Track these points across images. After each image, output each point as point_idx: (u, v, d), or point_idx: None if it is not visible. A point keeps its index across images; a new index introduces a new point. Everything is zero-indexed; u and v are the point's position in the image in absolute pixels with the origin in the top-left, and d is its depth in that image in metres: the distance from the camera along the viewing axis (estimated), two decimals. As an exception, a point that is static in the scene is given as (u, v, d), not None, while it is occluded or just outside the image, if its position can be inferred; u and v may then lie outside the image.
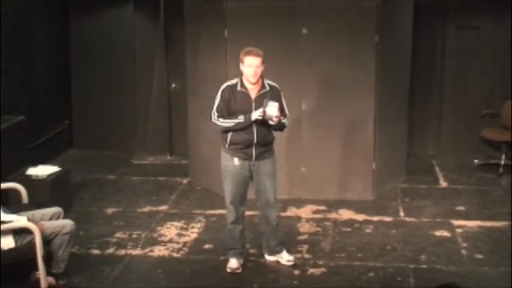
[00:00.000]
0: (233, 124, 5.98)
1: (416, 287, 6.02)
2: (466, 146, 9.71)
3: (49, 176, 7.42)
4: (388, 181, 8.42)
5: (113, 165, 9.52)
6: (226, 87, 6.08)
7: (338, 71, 7.86)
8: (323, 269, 6.35)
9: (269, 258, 6.50)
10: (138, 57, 10.04)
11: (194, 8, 8.32)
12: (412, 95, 9.12)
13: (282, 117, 5.99)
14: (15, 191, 6.51)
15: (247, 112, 5.96)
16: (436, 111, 9.90)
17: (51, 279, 5.90)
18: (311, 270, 6.33)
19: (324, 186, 8.11)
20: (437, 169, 9.24)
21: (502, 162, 8.98)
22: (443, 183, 8.70)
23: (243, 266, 6.39)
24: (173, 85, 9.80)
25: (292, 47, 7.78)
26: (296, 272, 6.30)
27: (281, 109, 6.03)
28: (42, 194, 7.06)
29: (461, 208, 7.85)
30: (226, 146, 6.13)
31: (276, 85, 6.16)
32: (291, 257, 6.46)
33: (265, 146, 6.12)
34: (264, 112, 5.85)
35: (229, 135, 6.06)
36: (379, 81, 7.85)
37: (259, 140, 6.03)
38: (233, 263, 6.32)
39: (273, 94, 6.04)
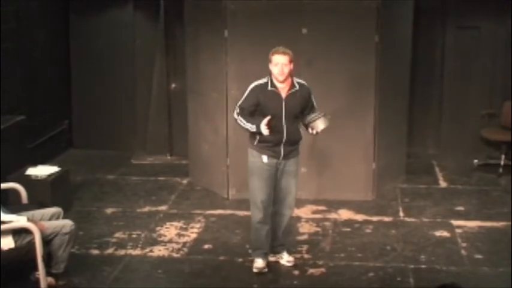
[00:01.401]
0: (246, 128, 6.01)
1: (416, 287, 6.02)
2: (466, 146, 9.71)
3: (49, 176, 7.42)
4: (388, 181, 8.42)
5: (112, 165, 9.52)
6: (255, 86, 6.07)
7: (338, 71, 7.86)
8: (323, 269, 6.35)
9: (269, 258, 6.50)
10: (138, 57, 10.04)
11: (194, 8, 8.32)
12: (412, 95, 9.11)
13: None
14: (14, 191, 6.50)
15: (278, 110, 5.96)
16: (436, 111, 9.90)
17: (51, 280, 5.90)
18: (311, 271, 6.34)
19: (324, 187, 8.11)
20: (437, 169, 9.24)
21: (502, 162, 8.98)
22: (443, 184, 8.70)
23: (242, 265, 6.40)
24: (173, 85, 9.80)
25: (292, 47, 7.70)
26: (296, 272, 6.30)
27: (312, 107, 6.13)
28: (42, 194, 7.06)
29: (461, 208, 7.85)
30: (255, 143, 6.10)
31: (305, 83, 6.17)
32: (290, 258, 6.45)
33: (293, 145, 6.12)
34: (314, 119, 5.93)
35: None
36: (379, 81, 7.85)
37: (289, 139, 6.03)
38: (259, 263, 6.29)
39: (302, 92, 6.07)
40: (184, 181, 8.84)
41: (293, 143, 6.10)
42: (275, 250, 6.47)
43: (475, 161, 9.27)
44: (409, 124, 9.11)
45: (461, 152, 9.66)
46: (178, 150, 9.81)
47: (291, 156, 6.13)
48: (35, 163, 7.91)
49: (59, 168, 7.68)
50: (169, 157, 9.87)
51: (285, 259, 6.43)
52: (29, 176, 7.38)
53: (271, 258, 6.46)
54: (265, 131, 5.86)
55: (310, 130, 6.04)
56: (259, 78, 6.12)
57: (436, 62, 9.80)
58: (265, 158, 6.07)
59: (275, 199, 6.31)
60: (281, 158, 6.08)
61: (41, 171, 7.49)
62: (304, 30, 7.77)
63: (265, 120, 5.86)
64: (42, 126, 9.30)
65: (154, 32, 9.80)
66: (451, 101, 9.80)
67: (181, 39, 9.02)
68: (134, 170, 9.33)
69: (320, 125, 5.96)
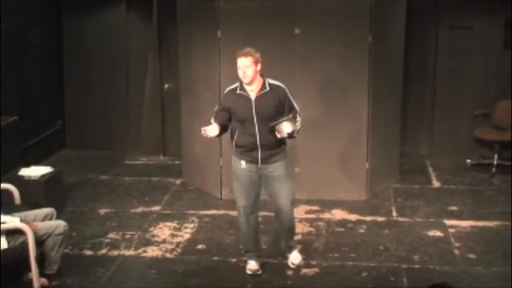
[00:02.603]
0: None
1: (409, 287, 6.03)
2: (459, 146, 9.73)
3: (42, 176, 7.41)
4: (381, 181, 8.43)
5: (105, 165, 9.50)
6: (227, 91, 6.05)
7: (331, 71, 7.86)
8: (316, 269, 6.36)
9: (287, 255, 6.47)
10: (131, 57, 10.03)
11: (187, 8, 8.31)
12: (405, 95, 9.13)
13: (293, 134, 5.88)
14: (7, 192, 6.49)
15: (249, 114, 5.88)
16: (429, 111, 9.91)
17: (44, 280, 5.89)
18: (304, 270, 6.33)
19: (317, 187, 8.11)
20: (430, 169, 9.25)
21: (495, 162, 8.99)
22: (436, 183, 8.72)
23: (236, 266, 6.40)
24: (166, 85, 9.79)
25: (285, 48, 7.79)
26: (289, 272, 6.30)
27: (290, 108, 6.00)
28: (35, 195, 7.05)
29: (454, 208, 7.86)
30: (233, 148, 6.07)
31: (280, 84, 6.03)
32: (296, 260, 6.37)
33: (273, 149, 5.98)
34: (278, 122, 5.81)
35: (235, 137, 6.00)
36: (372, 81, 7.86)
37: (264, 143, 5.92)
38: (253, 265, 6.27)
39: (275, 94, 5.95)
40: (178, 181, 8.84)
41: (270, 147, 5.97)
42: (285, 251, 6.42)
43: (468, 160, 9.29)
44: (402, 124, 9.13)
45: (454, 152, 9.68)
46: (172, 151, 9.81)
47: (272, 160, 6.01)
48: (28, 164, 7.91)
49: (52, 169, 7.66)
50: (162, 157, 9.86)
51: (291, 260, 6.38)
52: (22, 176, 7.37)
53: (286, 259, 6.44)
54: (211, 131, 5.80)
55: (276, 134, 5.89)
56: None
57: (429, 62, 9.80)
58: (243, 164, 6.01)
59: (271, 204, 6.27)
60: (260, 163, 5.99)
61: (34, 171, 7.48)
62: (297, 30, 7.76)
63: (212, 126, 5.82)
64: (36, 127, 9.28)
65: (147, 33, 9.79)
66: (444, 100, 9.81)
67: (175, 39, 9.01)
68: (127, 171, 9.32)
69: (284, 128, 5.80)
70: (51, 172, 7.56)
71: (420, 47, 9.68)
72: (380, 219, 7.57)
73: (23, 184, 7.03)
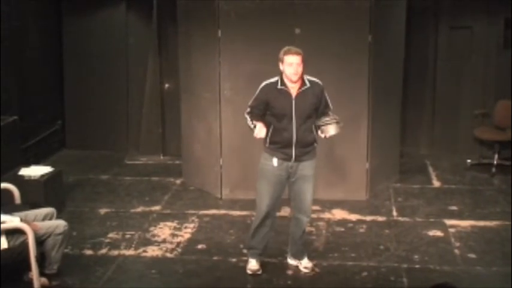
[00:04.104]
0: (249, 126, 5.92)
1: (410, 287, 6.03)
2: (459, 145, 9.75)
3: (42, 176, 7.40)
4: (382, 181, 8.43)
5: (105, 165, 9.51)
6: (265, 85, 5.94)
7: (331, 72, 7.84)
8: (316, 269, 6.35)
9: (290, 261, 6.44)
10: (131, 57, 10.03)
11: (187, 7, 8.31)
12: (405, 95, 9.13)
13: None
14: (7, 192, 6.48)
15: (288, 110, 5.84)
16: (429, 111, 9.92)
17: (44, 280, 5.89)
18: (304, 270, 6.32)
19: (317, 186, 8.06)
20: (430, 169, 9.26)
21: (495, 162, 9.01)
22: (436, 183, 8.72)
23: (236, 266, 6.40)
24: (166, 85, 9.79)
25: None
26: (289, 272, 6.30)
27: (325, 105, 6.01)
28: (35, 195, 7.05)
29: (454, 208, 7.87)
30: (266, 145, 5.99)
31: (318, 81, 6.00)
32: (308, 265, 6.34)
33: (306, 147, 5.96)
34: (326, 122, 5.86)
35: (269, 134, 5.93)
36: (372, 81, 7.86)
37: (299, 140, 5.88)
38: (253, 265, 6.26)
39: (314, 91, 5.93)
40: (178, 181, 8.84)
41: (305, 144, 5.94)
42: (295, 255, 6.39)
43: (468, 160, 9.29)
44: (402, 124, 9.13)
45: (454, 152, 9.69)
46: (172, 151, 9.82)
47: (304, 158, 5.98)
48: (28, 163, 7.91)
49: (52, 169, 7.66)
50: (162, 157, 9.87)
51: (303, 265, 6.34)
52: (22, 176, 7.36)
53: (293, 262, 6.41)
54: (260, 132, 5.80)
55: (320, 133, 5.94)
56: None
57: (428, 62, 9.82)
58: (275, 162, 5.95)
59: (292, 204, 6.25)
60: (293, 160, 5.94)
61: (34, 171, 7.47)
62: (298, 30, 7.76)
63: (259, 126, 5.81)
64: (36, 127, 9.28)
65: (147, 32, 9.80)
66: (443, 100, 9.82)
67: (174, 39, 9.01)
68: (127, 170, 9.33)
69: (331, 130, 5.88)
70: (51, 172, 7.56)
71: (420, 47, 9.70)
72: (380, 219, 7.57)
73: (23, 184, 7.03)
